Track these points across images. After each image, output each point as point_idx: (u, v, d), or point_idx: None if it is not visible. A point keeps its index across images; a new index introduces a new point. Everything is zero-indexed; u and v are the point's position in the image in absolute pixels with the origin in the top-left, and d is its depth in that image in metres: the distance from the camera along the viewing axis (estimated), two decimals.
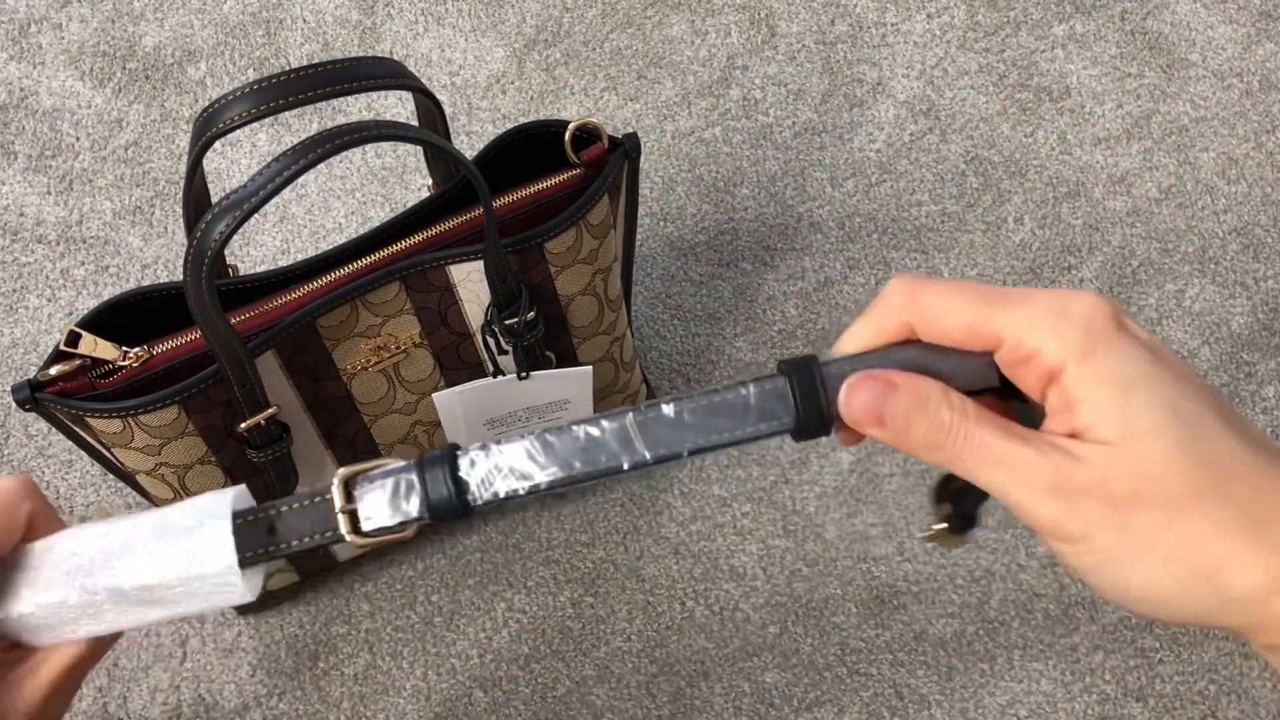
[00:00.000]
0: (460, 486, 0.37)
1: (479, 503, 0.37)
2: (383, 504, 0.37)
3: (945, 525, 0.60)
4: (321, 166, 0.85)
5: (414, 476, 0.37)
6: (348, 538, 0.37)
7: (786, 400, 0.35)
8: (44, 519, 0.40)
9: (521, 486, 0.37)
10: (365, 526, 0.37)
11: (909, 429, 0.33)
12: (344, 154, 0.86)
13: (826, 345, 0.79)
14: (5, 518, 0.38)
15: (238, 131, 0.83)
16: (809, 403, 0.35)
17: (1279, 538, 0.29)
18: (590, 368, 0.63)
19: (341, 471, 0.38)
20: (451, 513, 0.37)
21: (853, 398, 0.34)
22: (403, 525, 0.38)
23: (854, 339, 0.35)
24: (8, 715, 0.37)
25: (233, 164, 0.86)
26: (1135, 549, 0.30)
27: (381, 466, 0.38)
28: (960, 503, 0.59)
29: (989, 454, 0.32)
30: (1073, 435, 0.31)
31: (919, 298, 0.34)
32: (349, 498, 0.38)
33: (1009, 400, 0.36)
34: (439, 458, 0.37)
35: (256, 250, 0.83)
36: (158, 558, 0.37)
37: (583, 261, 0.59)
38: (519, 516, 0.74)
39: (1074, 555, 0.31)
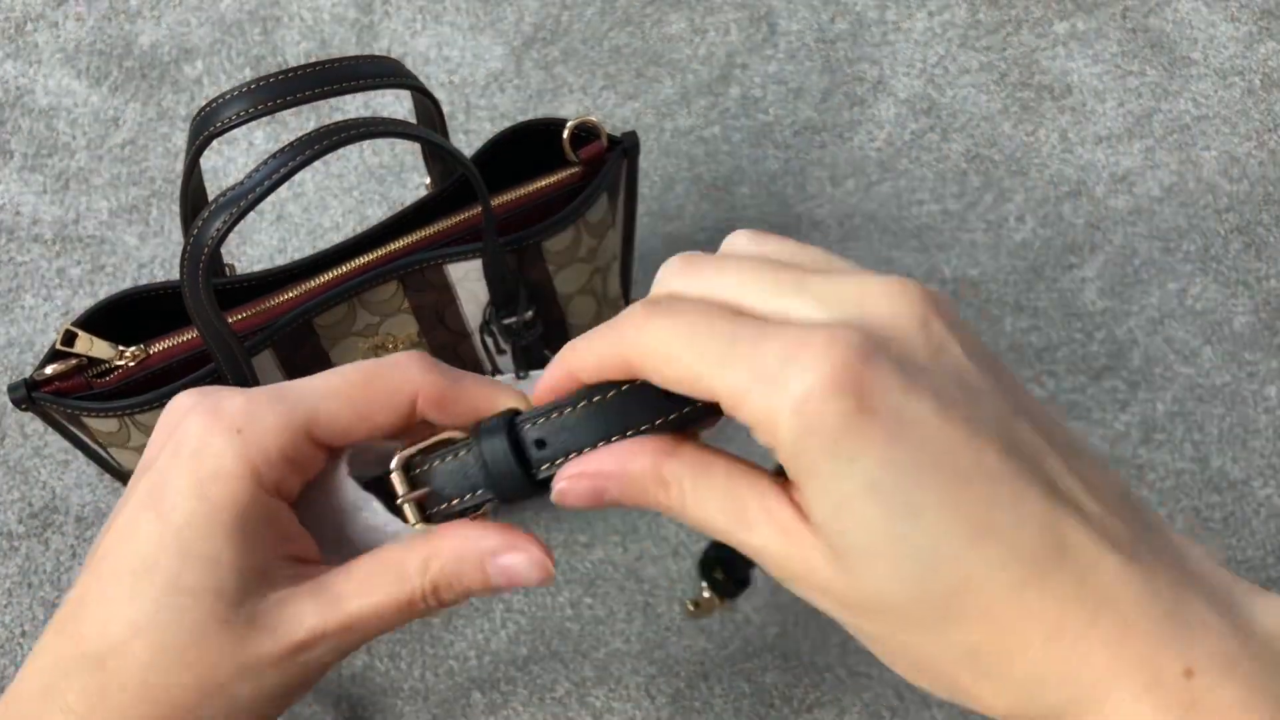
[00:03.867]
0: (524, 458, 0.31)
1: (542, 476, 0.32)
2: (452, 484, 0.32)
3: (711, 594, 0.60)
4: (318, 165, 0.85)
5: (476, 449, 0.32)
6: (417, 528, 0.32)
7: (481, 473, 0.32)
8: (435, 407, 0.32)
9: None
10: (435, 513, 0.32)
11: (643, 505, 0.30)
12: (341, 152, 0.85)
13: None
14: (373, 399, 0.31)
15: (235, 130, 0.83)
16: (507, 479, 0.31)
17: (1018, 676, 0.25)
18: None
19: (401, 454, 0.32)
20: (519, 490, 0.31)
21: (567, 502, 0.30)
22: (477, 507, 0.32)
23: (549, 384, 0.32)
24: (277, 633, 0.29)
25: (229, 162, 0.85)
26: (880, 649, 0.28)
27: (445, 441, 0.33)
28: (734, 569, 0.60)
29: (715, 527, 0.29)
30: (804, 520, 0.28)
31: (568, 359, 0.30)
32: (412, 484, 0.32)
33: None
34: (497, 426, 0.31)
35: (253, 249, 0.82)
36: None
37: (581, 260, 0.59)
38: (518, 517, 0.74)
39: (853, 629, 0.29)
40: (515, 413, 0.32)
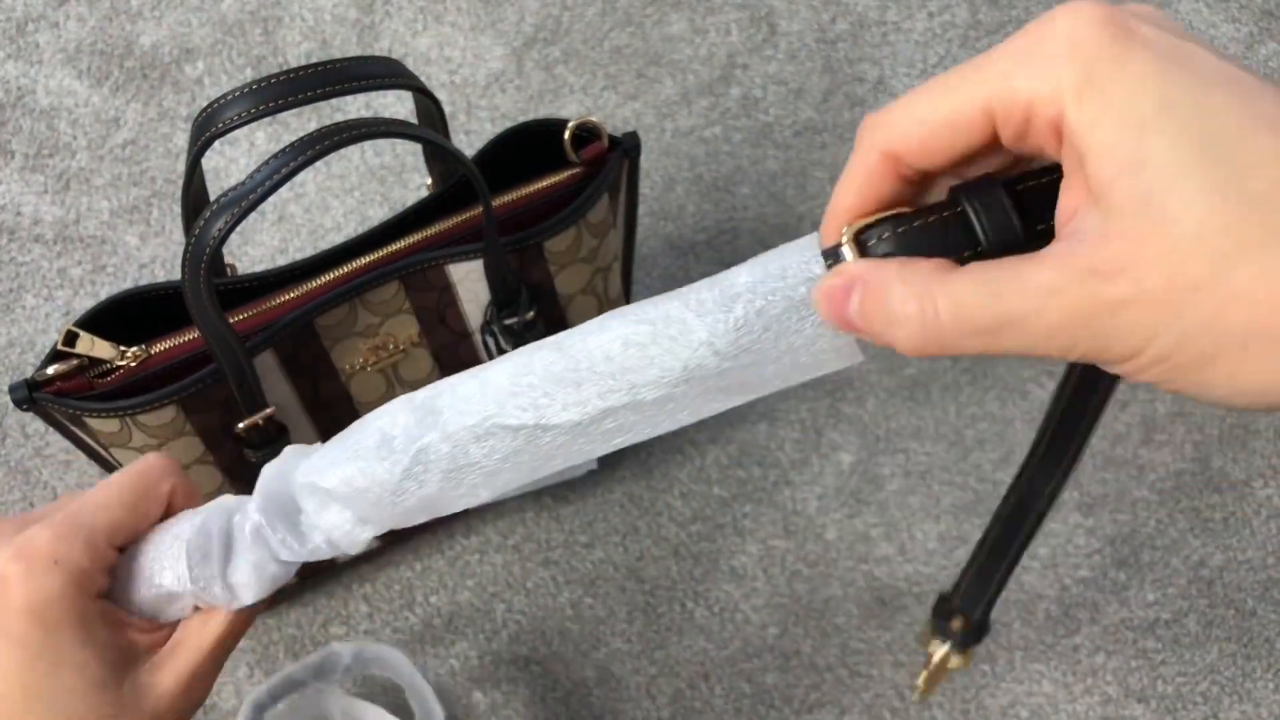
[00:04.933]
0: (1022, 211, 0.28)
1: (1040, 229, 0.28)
2: (927, 246, 0.28)
3: (948, 648, 0.54)
4: (320, 165, 0.85)
5: (962, 207, 0.28)
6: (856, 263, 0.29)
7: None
8: (183, 497, 0.39)
9: None
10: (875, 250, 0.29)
11: (889, 334, 0.27)
12: (342, 153, 0.85)
13: None
14: (143, 498, 0.37)
15: (236, 130, 0.83)
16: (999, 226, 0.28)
17: None
18: None
19: (851, 226, 0.30)
20: (1015, 243, 0.28)
21: (818, 307, 0.29)
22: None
23: (840, 200, 0.30)
24: (149, 698, 0.36)
25: (231, 162, 0.85)
26: (1204, 343, 0.24)
27: (896, 215, 0.29)
28: (973, 608, 0.54)
29: (985, 325, 0.25)
30: (1090, 212, 0.25)
31: (887, 122, 0.28)
32: (862, 249, 0.29)
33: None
34: (988, 186, 0.28)
35: (255, 249, 0.82)
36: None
37: (582, 260, 0.59)
38: (518, 517, 0.74)
39: (1140, 373, 0.25)
40: (989, 178, 0.29)
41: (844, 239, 0.30)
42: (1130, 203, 0.24)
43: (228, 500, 0.38)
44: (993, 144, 0.27)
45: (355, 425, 0.36)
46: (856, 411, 0.76)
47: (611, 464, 0.75)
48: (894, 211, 0.30)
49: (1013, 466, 0.74)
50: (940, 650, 0.55)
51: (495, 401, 0.33)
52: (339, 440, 0.35)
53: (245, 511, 0.37)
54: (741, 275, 0.31)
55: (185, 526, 0.37)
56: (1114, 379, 0.45)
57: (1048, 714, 0.68)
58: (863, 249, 0.29)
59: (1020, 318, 0.25)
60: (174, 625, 0.39)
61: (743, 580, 0.72)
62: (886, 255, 0.29)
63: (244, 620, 0.38)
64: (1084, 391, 0.48)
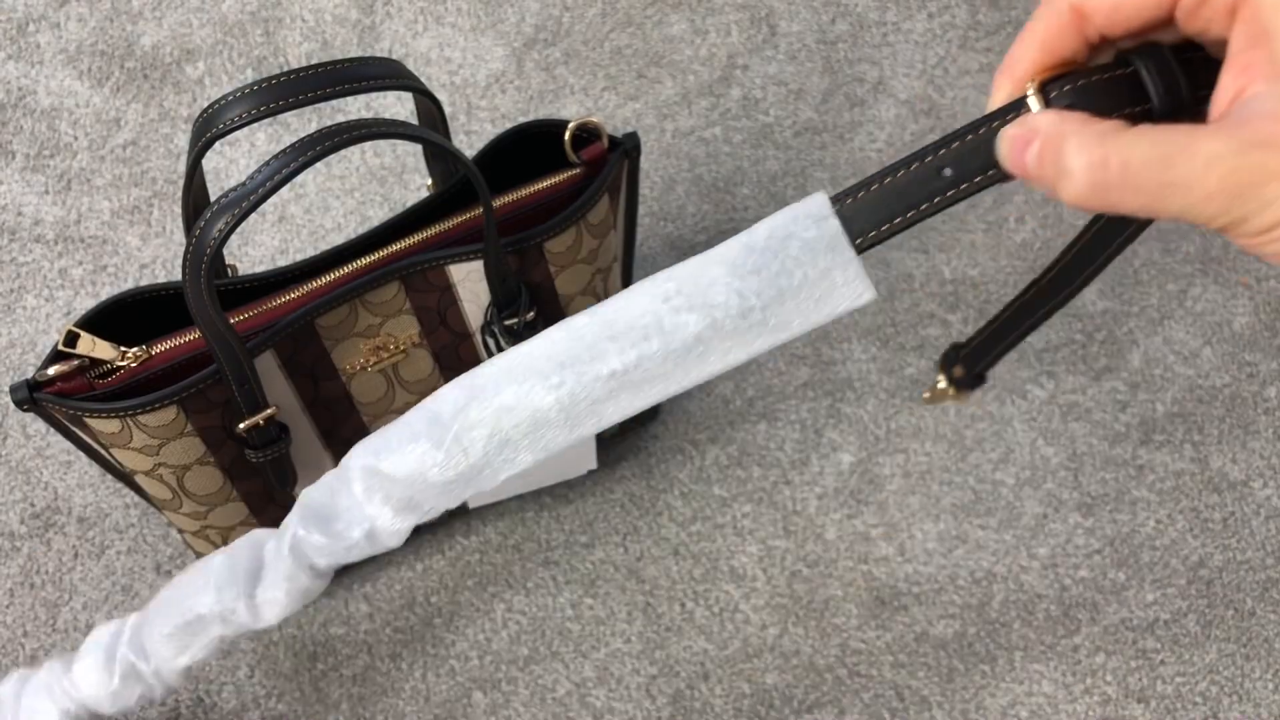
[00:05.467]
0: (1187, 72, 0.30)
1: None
2: (1102, 102, 0.30)
3: (948, 385, 0.61)
4: (320, 166, 0.85)
5: (1138, 66, 0.30)
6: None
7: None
8: None
9: None
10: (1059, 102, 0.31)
11: (1058, 183, 0.28)
12: (343, 153, 0.86)
13: (828, 345, 0.79)
14: None
15: (237, 131, 0.83)
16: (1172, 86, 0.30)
17: None
18: None
19: (1038, 79, 0.31)
20: (1183, 103, 0.30)
21: (999, 151, 0.31)
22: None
23: (1022, 50, 0.31)
24: None
25: (231, 163, 0.86)
26: None
27: (1077, 72, 0.31)
28: (974, 364, 0.60)
29: (1152, 184, 0.26)
30: (1260, 87, 0.26)
31: None
32: (1046, 101, 0.31)
33: None
34: (1156, 50, 0.30)
35: (255, 250, 0.82)
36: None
37: (583, 261, 0.59)
38: (518, 517, 0.74)
39: (1270, 244, 0.27)
40: (1156, 44, 0.31)
41: (1030, 90, 0.31)
42: None
43: (258, 533, 0.39)
44: (1168, 18, 0.29)
45: (409, 412, 0.37)
46: (856, 411, 0.77)
47: (611, 464, 0.75)
48: (1073, 69, 0.31)
49: (1012, 466, 0.75)
50: (942, 383, 0.62)
51: (534, 366, 0.34)
52: (392, 426, 0.37)
53: (279, 536, 0.38)
54: (760, 228, 0.33)
55: (217, 557, 0.38)
56: None
57: (1047, 714, 0.68)
58: (1046, 101, 0.31)
59: (1184, 182, 0.26)
60: None
61: (742, 580, 0.72)
62: (1068, 108, 0.31)
63: None
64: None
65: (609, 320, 0.33)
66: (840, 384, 0.77)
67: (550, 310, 0.60)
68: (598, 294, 0.61)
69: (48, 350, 0.63)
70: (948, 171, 0.32)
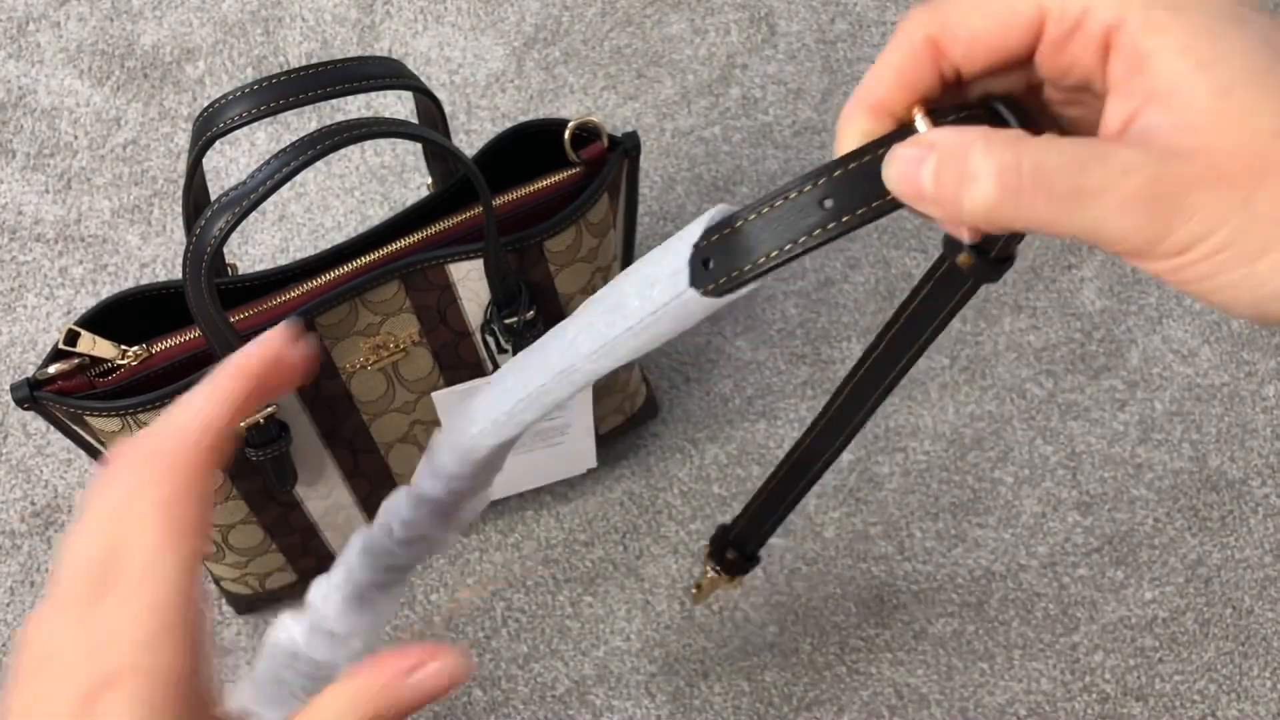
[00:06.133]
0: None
1: None
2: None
3: (718, 574, 0.61)
4: (320, 165, 0.85)
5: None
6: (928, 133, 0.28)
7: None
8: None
9: None
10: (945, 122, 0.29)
11: (960, 193, 0.26)
12: (343, 152, 0.86)
13: (828, 344, 0.79)
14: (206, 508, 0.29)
15: (237, 130, 0.84)
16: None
17: None
18: None
19: (919, 106, 0.29)
20: None
21: (887, 173, 0.28)
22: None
23: (877, 82, 0.29)
24: None
25: (231, 162, 0.86)
26: (1264, 232, 0.24)
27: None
28: (745, 544, 0.61)
29: (1068, 190, 0.25)
30: (1144, 116, 0.25)
31: (942, 8, 0.28)
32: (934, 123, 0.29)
33: None
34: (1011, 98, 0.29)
35: (255, 249, 0.83)
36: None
37: (582, 260, 0.59)
38: (518, 516, 0.74)
39: (1189, 268, 0.25)
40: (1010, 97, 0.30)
41: (917, 114, 0.29)
42: (1207, 97, 0.24)
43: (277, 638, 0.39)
44: (1028, 55, 0.28)
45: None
46: None
47: (611, 462, 0.75)
48: (943, 105, 0.29)
49: (1011, 464, 0.75)
50: (711, 573, 0.62)
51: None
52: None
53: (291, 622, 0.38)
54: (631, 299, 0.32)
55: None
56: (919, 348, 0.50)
57: (1046, 712, 0.69)
58: (935, 125, 0.29)
59: (1098, 189, 0.25)
60: None
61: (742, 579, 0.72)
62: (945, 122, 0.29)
63: None
64: (881, 364, 0.53)
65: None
66: (840, 383, 0.78)
67: (550, 309, 0.60)
68: None
69: (48, 349, 0.63)
70: (829, 203, 0.29)
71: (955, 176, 0.26)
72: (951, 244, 0.47)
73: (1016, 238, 0.46)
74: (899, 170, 0.27)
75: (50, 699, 0.27)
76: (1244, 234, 0.24)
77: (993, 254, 0.47)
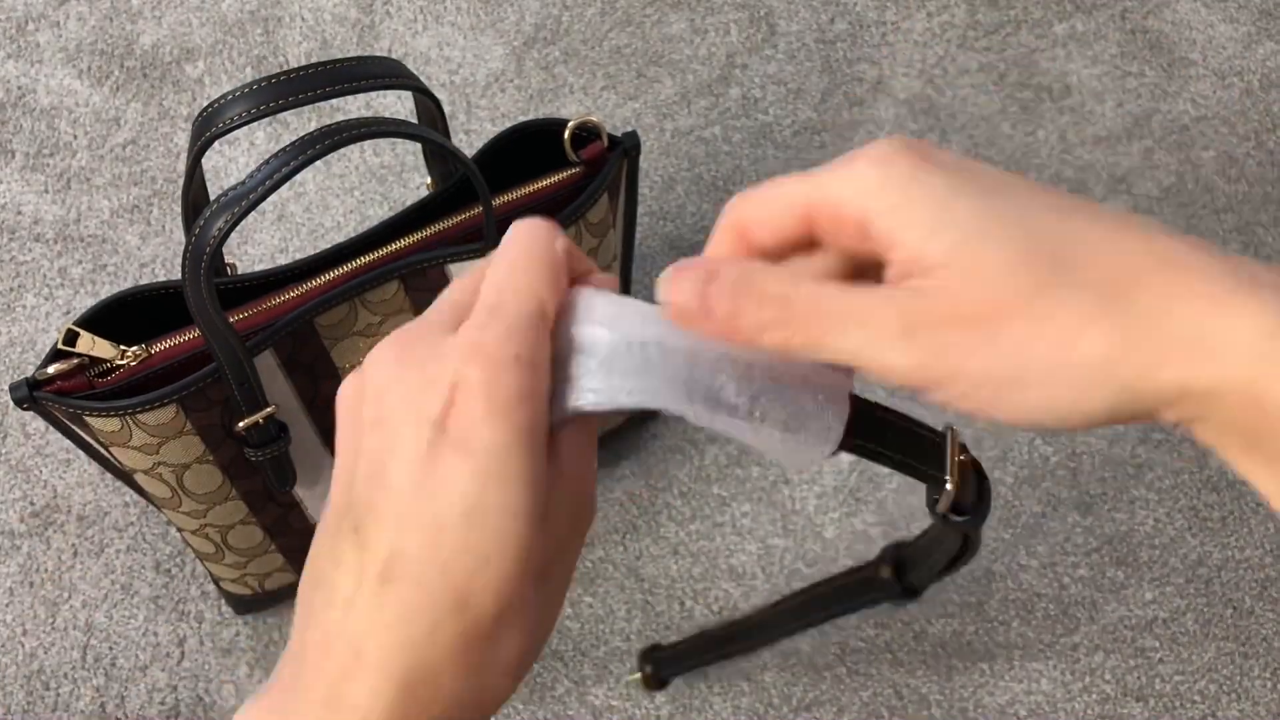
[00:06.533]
0: None
1: None
2: None
3: (640, 678, 0.68)
4: (320, 165, 0.85)
5: None
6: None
7: None
8: (571, 253, 0.33)
9: None
10: None
11: (740, 314, 0.29)
12: (342, 152, 0.86)
13: None
14: (559, 271, 0.32)
15: (236, 130, 0.84)
16: None
17: (1146, 310, 0.27)
18: None
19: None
20: None
21: (671, 293, 0.30)
22: None
23: (713, 252, 0.33)
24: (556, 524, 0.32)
25: (231, 162, 0.86)
26: (1011, 368, 0.28)
27: None
28: (663, 669, 0.67)
29: (834, 314, 0.29)
30: (910, 277, 0.29)
31: (741, 202, 0.32)
32: None
33: None
34: None
35: (255, 249, 0.82)
36: None
37: None
38: None
39: (957, 399, 0.29)
40: None
41: None
42: (942, 254, 0.28)
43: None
44: (811, 240, 0.32)
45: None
46: None
47: (611, 462, 0.75)
48: None
49: (1011, 465, 0.75)
50: (636, 676, 0.69)
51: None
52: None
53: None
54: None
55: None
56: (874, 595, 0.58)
57: (1046, 712, 0.68)
58: None
59: (864, 311, 0.29)
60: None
61: (742, 579, 0.72)
62: None
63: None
64: (843, 593, 0.60)
65: None
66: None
67: None
68: None
69: (47, 349, 0.63)
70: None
71: (744, 295, 0.30)
72: (880, 559, 0.57)
73: (930, 579, 0.55)
74: (675, 287, 0.30)
75: (403, 420, 0.31)
76: (991, 369, 0.28)
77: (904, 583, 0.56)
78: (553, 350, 0.32)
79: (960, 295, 0.28)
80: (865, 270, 0.31)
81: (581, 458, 0.33)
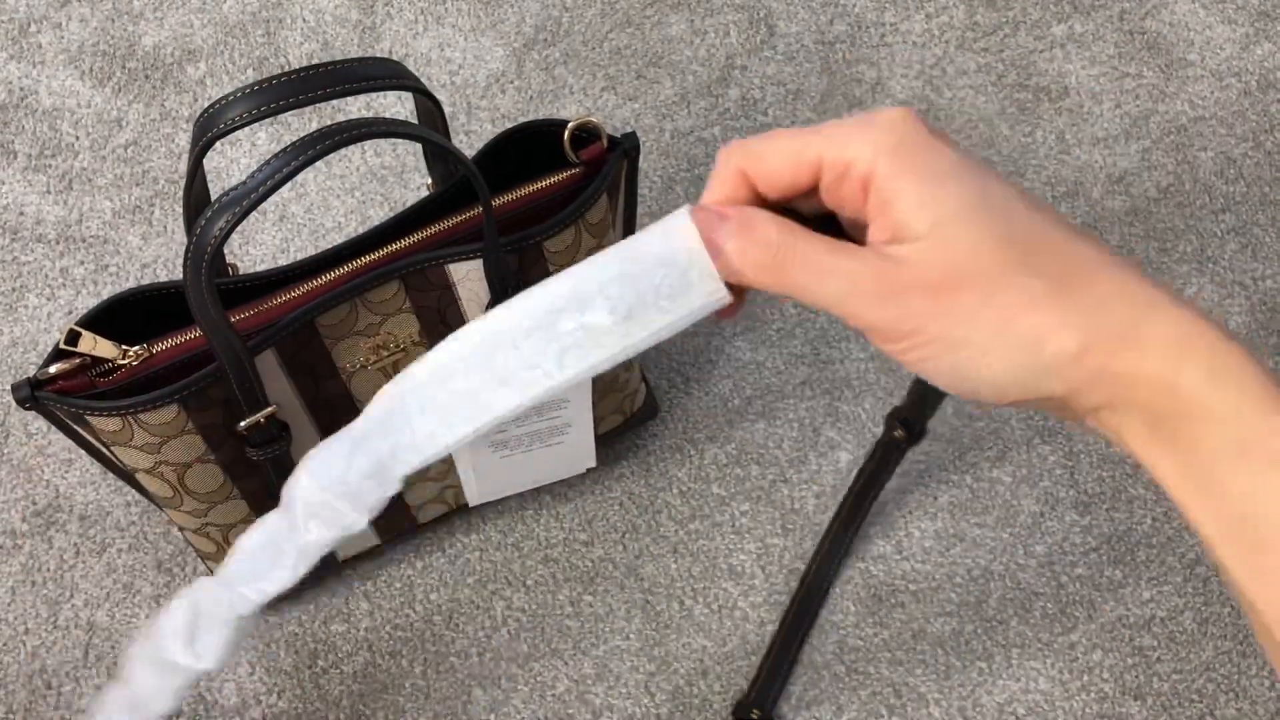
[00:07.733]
0: None
1: None
2: None
3: None
4: (320, 165, 0.85)
5: None
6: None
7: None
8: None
9: None
10: None
11: (743, 253, 0.34)
12: (343, 153, 0.86)
13: (826, 344, 0.79)
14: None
15: (238, 131, 0.84)
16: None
17: (1086, 302, 0.31)
18: None
19: None
20: None
21: (695, 218, 0.35)
22: None
23: (709, 197, 0.37)
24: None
25: (232, 163, 0.86)
26: (961, 331, 0.32)
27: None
28: (765, 708, 0.68)
29: (819, 267, 0.33)
30: (892, 240, 0.33)
31: (745, 147, 0.36)
32: None
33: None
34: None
35: (256, 249, 0.83)
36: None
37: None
38: (518, 515, 0.74)
39: (911, 351, 0.33)
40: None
41: None
42: (925, 227, 0.32)
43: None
44: (813, 189, 0.35)
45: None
46: (854, 410, 0.77)
47: (611, 462, 0.75)
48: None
49: (1009, 464, 0.75)
50: None
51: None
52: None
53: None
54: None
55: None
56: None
57: (1044, 711, 0.69)
58: None
59: (847, 272, 0.33)
60: None
61: (741, 578, 0.72)
62: None
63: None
64: (870, 485, 0.70)
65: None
66: (838, 383, 0.78)
67: None
68: None
69: (49, 349, 0.63)
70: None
71: (743, 233, 0.34)
72: (890, 423, 0.67)
73: (930, 412, 0.63)
74: (701, 217, 0.35)
75: None
76: (946, 331, 0.32)
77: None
78: None
79: (931, 265, 0.32)
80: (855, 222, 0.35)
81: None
